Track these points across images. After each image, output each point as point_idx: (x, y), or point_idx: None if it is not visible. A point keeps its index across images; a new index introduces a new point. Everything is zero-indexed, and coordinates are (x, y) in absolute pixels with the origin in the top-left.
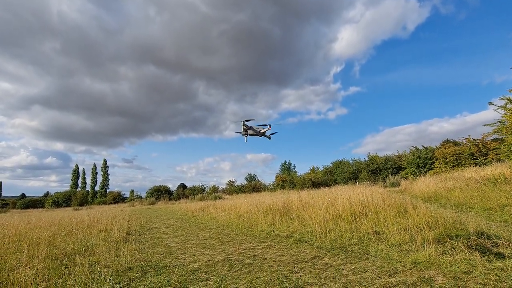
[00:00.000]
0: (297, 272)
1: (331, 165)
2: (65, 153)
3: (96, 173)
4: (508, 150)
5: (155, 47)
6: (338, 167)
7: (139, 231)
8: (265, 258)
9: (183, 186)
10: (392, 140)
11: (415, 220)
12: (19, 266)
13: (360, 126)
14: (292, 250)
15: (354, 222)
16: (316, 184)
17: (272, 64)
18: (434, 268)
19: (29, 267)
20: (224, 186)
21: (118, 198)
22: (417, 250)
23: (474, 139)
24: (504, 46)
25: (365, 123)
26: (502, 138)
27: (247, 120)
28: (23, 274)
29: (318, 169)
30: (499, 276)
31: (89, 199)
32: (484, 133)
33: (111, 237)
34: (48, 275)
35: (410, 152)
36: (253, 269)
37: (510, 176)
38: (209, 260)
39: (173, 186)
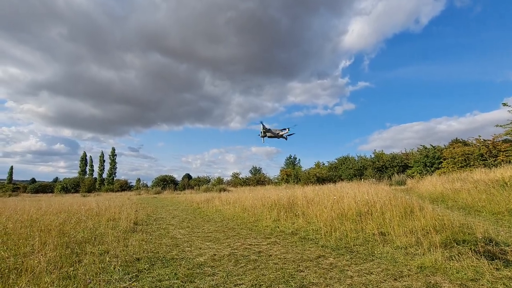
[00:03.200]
0: (302, 271)
1: (336, 161)
2: (73, 140)
3: (104, 161)
4: None
5: (161, 35)
6: (343, 163)
7: (146, 221)
8: (270, 255)
9: (188, 176)
10: (399, 137)
11: (421, 222)
12: (32, 252)
13: (367, 123)
14: (297, 248)
15: (359, 222)
16: (320, 180)
17: (279, 55)
18: (440, 274)
19: (42, 254)
20: (229, 178)
21: (125, 186)
22: (423, 254)
23: (484, 140)
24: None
25: (373, 120)
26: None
27: (265, 128)
28: (36, 261)
29: (323, 164)
30: (506, 286)
31: (97, 186)
32: (495, 134)
33: (119, 226)
34: (60, 263)
35: (417, 151)
36: (258, 266)
37: None
38: (215, 254)
39: (178, 176)
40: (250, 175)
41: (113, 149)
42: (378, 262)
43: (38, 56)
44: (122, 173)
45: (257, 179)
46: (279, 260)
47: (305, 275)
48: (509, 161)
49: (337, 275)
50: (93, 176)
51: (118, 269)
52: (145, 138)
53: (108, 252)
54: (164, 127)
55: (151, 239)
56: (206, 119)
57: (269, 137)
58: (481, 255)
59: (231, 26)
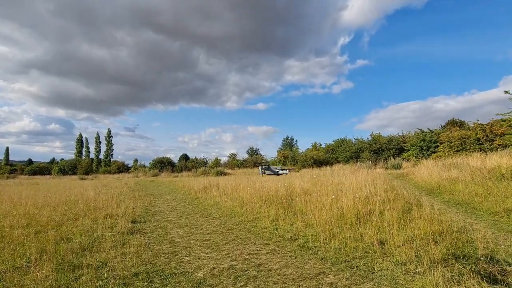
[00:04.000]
0: None
1: (333, 143)
2: (68, 120)
3: (100, 142)
4: None
5: (153, 11)
6: (340, 146)
7: (144, 217)
8: (270, 270)
9: (185, 157)
10: (395, 116)
11: (419, 226)
12: (28, 266)
13: (364, 101)
14: (296, 260)
15: (358, 227)
16: (318, 162)
17: (276, 31)
18: None
19: (38, 270)
20: (226, 159)
21: (122, 168)
22: (423, 273)
23: (482, 124)
24: None
25: (370, 98)
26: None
27: (265, 165)
28: (32, 278)
29: (320, 145)
30: None
31: (94, 168)
32: (493, 118)
33: (117, 225)
34: (57, 281)
35: (415, 134)
36: (259, 286)
37: None
38: (214, 268)
39: (175, 156)
40: (247, 156)
41: (109, 130)
42: (378, 282)
43: (26, 34)
44: (119, 153)
45: (254, 161)
46: (279, 277)
47: None
48: (505, 146)
49: None
50: (90, 157)
51: None
52: (140, 118)
53: (106, 264)
54: (160, 107)
55: (149, 243)
56: (202, 98)
57: (268, 174)
58: (482, 277)
59: (226, 1)
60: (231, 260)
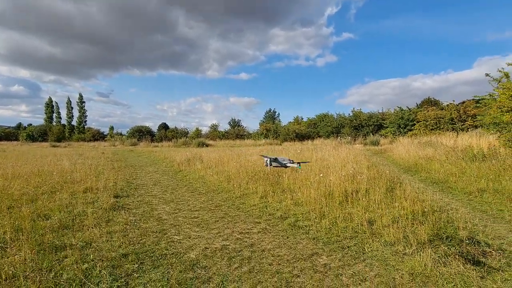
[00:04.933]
0: (298, 276)
1: (315, 117)
2: (33, 82)
3: (72, 107)
4: (490, 123)
5: None
6: (323, 121)
7: (126, 191)
8: (263, 250)
9: (165, 126)
10: (375, 93)
11: (403, 206)
12: (5, 249)
13: (347, 76)
14: (288, 240)
15: (346, 206)
16: (299, 136)
17: None
18: (432, 285)
19: (15, 251)
20: (207, 129)
21: (98, 136)
22: (411, 254)
23: (456, 104)
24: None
25: (353, 74)
26: (483, 105)
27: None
28: (9, 262)
29: (302, 119)
30: None
31: (67, 135)
32: (468, 99)
33: (98, 201)
34: (38, 266)
35: (394, 112)
36: (254, 268)
37: (488, 153)
38: (207, 248)
39: (154, 125)
40: (229, 127)
41: (80, 95)
42: (370, 263)
43: None
44: (93, 120)
45: (237, 132)
46: (273, 258)
47: (302, 282)
48: (476, 126)
49: (333, 283)
50: (62, 124)
51: (105, 274)
52: (115, 83)
53: (90, 244)
54: (136, 72)
55: (135, 220)
56: (181, 65)
57: (275, 166)
58: (466, 259)
59: None
60: (223, 240)
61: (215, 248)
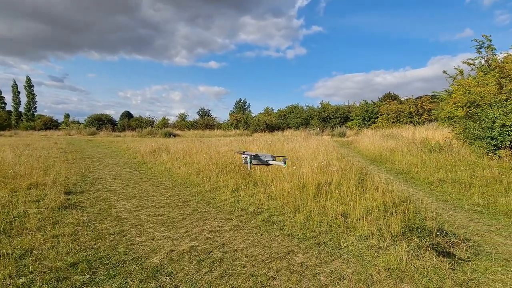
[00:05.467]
0: (274, 278)
1: (285, 108)
2: None
3: (18, 92)
4: (445, 117)
5: None
6: (292, 112)
7: (80, 186)
8: (236, 250)
9: (128, 115)
10: (341, 86)
11: (374, 198)
12: None
13: (315, 69)
14: (262, 237)
15: (319, 199)
16: (270, 127)
17: None
18: (408, 280)
19: None
20: (175, 119)
21: (50, 124)
22: (386, 247)
23: (415, 99)
24: (453, 4)
25: (321, 67)
26: (439, 100)
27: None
28: None
29: (272, 110)
30: None
31: (13, 122)
32: (426, 95)
33: (46, 198)
34: None
35: (359, 105)
36: (226, 271)
37: (444, 145)
38: (172, 251)
39: (116, 113)
40: (198, 117)
41: (28, 78)
42: (347, 259)
43: None
44: (44, 107)
45: (206, 122)
46: (246, 259)
47: (279, 285)
48: (430, 120)
49: (311, 284)
50: (6, 110)
51: None
52: (70, 67)
53: (31, 252)
54: (94, 55)
55: (89, 221)
56: (146, 50)
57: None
58: (437, 251)
59: None
60: (191, 240)
61: (183, 250)
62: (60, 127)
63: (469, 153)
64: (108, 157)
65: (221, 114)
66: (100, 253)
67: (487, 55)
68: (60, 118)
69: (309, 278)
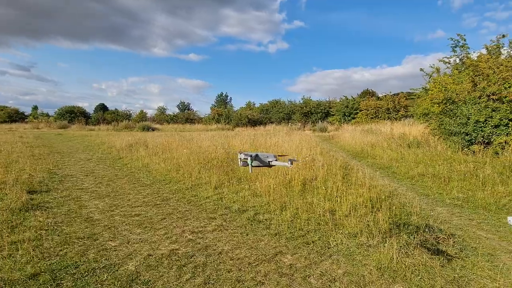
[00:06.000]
0: (262, 283)
1: (268, 103)
2: None
3: None
4: (421, 114)
5: None
6: (275, 107)
7: (47, 184)
8: (220, 253)
9: (103, 108)
10: (322, 82)
11: (360, 193)
12: None
13: (296, 64)
14: (248, 238)
15: (306, 195)
16: (252, 122)
17: None
18: (400, 279)
19: None
20: (154, 112)
21: (16, 116)
22: (376, 245)
23: (392, 96)
24: (426, 5)
25: (302, 62)
26: (416, 97)
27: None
28: None
29: (254, 105)
30: None
31: None
32: (402, 92)
33: (5, 199)
34: None
35: (340, 100)
36: (210, 277)
37: (421, 140)
38: (150, 256)
39: (89, 105)
40: (178, 110)
41: None
42: (337, 259)
43: None
44: (9, 98)
45: (186, 116)
46: (232, 262)
47: None
48: (407, 116)
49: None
50: None
51: None
52: (38, 55)
53: None
54: (66, 43)
55: (56, 223)
56: (122, 39)
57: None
58: (425, 248)
59: None
60: (171, 243)
61: (161, 254)
62: (28, 120)
63: (445, 148)
64: (80, 152)
65: (202, 108)
66: (67, 261)
67: (461, 54)
68: (28, 110)
69: (299, 281)
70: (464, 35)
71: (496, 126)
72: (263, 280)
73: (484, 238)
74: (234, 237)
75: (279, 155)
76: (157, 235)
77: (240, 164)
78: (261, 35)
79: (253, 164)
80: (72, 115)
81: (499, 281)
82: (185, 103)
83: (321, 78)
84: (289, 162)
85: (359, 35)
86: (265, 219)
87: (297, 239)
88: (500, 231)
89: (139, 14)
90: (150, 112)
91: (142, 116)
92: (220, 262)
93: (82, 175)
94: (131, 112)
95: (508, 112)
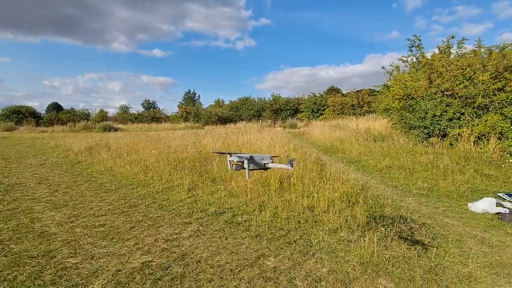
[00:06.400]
0: None
1: (237, 100)
2: None
3: None
4: (383, 109)
5: None
6: (245, 104)
7: None
8: (199, 261)
9: (56, 107)
10: (290, 80)
11: (335, 188)
12: None
13: (264, 62)
14: (228, 242)
15: (283, 193)
16: (222, 119)
17: None
18: (383, 273)
19: None
20: (115, 111)
21: None
22: (356, 240)
23: (356, 92)
24: (383, 7)
25: (270, 60)
26: (379, 93)
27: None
28: None
29: (224, 102)
30: (438, 283)
31: None
32: (363, 89)
33: None
34: None
35: (308, 97)
36: None
37: (385, 134)
38: (119, 271)
39: (40, 105)
40: (142, 109)
41: None
42: (320, 258)
43: None
44: None
45: (152, 115)
46: (212, 270)
47: None
48: (370, 112)
49: None
50: None
51: None
52: None
53: None
54: (7, 35)
55: (2, 242)
56: (76, 32)
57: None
58: (402, 239)
59: None
60: (143, 254)
61: (132, 268)
62: None
63: (407, 141)
64: (30, 157)
65: (169, 106)
66: (17, 286)
67: (417, 53)
68: None
69: (285, 284)
70: (419, 36)
71: (450, 120)
72: (248, 287)
73: (451, 225)
74: (213, 242)
75: (274, 156)
76: (126, 246)
77: (232, 168)
78: (228, 32)
79: (250, 167)
80: (20, 115)
81: (470, 266)
82: (150, 102)
83: (289, 76)
84: (289, 164)
85: (324, 34)
86: (244, 221)
87: (278, 239)
88: (463, 218)
89: (95, 5)
90: (111, 111)
91: (103, 116)
92: (200, 272)
93: (33, 183)
94: (89, 111)
95: (460, 106)
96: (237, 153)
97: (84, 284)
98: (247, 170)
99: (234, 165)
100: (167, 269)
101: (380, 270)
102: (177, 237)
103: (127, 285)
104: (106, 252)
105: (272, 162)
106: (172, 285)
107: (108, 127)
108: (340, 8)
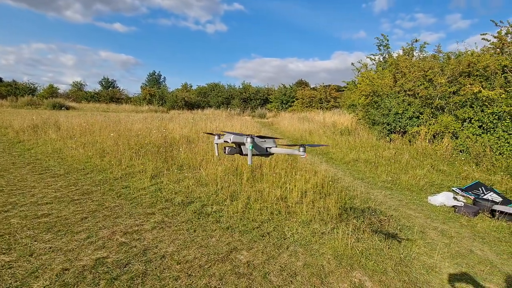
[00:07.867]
0: None
1: (206, 86)
2: None
3: None
4: (349, 105)
5: None
6: (213, 90)
7: None
8: (163, 256)
9: None
10: (260, 69)
11: (306, 179)
12: None
13: (235, 49)
14: (196, 234)
15: (255, 182)
16: (189, 105)
17: None
18: (357, 266)
19: None
20: (68, 87)
21: None
22: (329, 232)
23: (324, 87)
24: (352, 6)
25: (241, 47)
26: (346, 89)
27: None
28: None
29: (191, 87)
30: (408, 275)
31: None
32: (331, 84)
33: None
34: None
35: (278, 88)
36: None
37: (351, 129)
38: (66, 270)
39: None
40: (100, 88)
41: None
42: (295, 251)
43: None
44: None
45: (111, 95)
46: (179, 267)
47: None
48: (336, 107)
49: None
50: None
51: None
52: None
53: None
54: None
55: None
56: None
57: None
58: (373, 231)
59: None
60: (96, 250)
61: (83, 266)
62: None
63: (370, 136)
64: None
65: (131, 87)
66: None
67: (385, 53)
68: None
69: (259, 280)
70: (387, 36)
71: (410, 118)
72: (219, 285)
73: (414, 217)
74: (180, 235)
75: (302, 146)
76: (76, 240)
77: (225, 152)
78: (198, 13)
79: (250, 153)
80: None
81: (434, 257)
82: (110, 80)
83: (260, 65)
84: (301, 149)
85: (296, 27)
86: (214, 211)
87: (251, 231)
88: (424, 210)
89: None
90: (63, 88)
91: (52, 92)
92: (164, 269)
93: None
94: (36, 85)
95: (419, 106)
96: (233, 132)
97: (21, 285)
98: (249, 152)
99: (227, 147)
100: (125, 267)
101: (354, 263)
102: (138, 230)
103: (75, 287)
104: (50, 248)
105: (276, 147)
106: (132, 285)
107: (59, 104)
108: (314, 1)
